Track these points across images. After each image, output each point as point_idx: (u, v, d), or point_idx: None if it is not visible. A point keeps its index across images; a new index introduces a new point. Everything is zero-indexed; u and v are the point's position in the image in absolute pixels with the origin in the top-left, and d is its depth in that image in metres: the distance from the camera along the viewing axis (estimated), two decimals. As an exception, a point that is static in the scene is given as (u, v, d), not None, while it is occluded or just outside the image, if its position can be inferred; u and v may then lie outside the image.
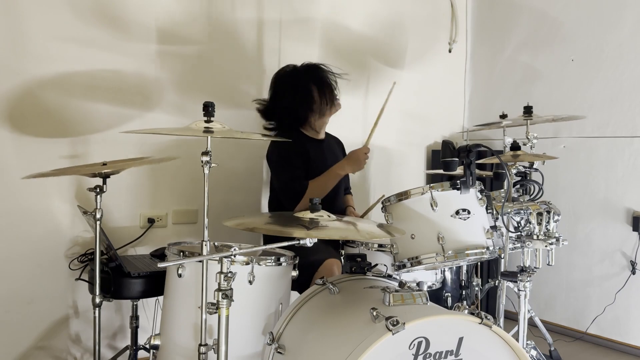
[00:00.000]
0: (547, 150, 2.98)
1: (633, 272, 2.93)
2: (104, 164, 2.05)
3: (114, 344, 2.60)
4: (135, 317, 2.30)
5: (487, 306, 3.31)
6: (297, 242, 1.45)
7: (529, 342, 2.25)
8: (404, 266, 1.77)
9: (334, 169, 2.37)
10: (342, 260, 2.14)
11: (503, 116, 2.62)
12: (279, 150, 2.41)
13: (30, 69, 2.37)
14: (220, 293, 1.51)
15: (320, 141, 2.55)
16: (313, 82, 2.42)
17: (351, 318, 1.49)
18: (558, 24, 3.30)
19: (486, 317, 1.41)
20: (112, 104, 2.55)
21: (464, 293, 2.40)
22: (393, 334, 1.30)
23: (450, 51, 3.76)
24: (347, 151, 2.76)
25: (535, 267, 2.04)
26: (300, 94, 2.40)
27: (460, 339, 1.39)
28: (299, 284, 2.06)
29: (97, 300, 2.04)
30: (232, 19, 2.87)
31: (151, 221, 2.65)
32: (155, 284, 2.11)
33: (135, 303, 2.30)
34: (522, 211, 1.99)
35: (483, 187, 1.79)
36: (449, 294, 2.31)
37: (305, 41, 3.13)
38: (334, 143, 2.68)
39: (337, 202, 2.54)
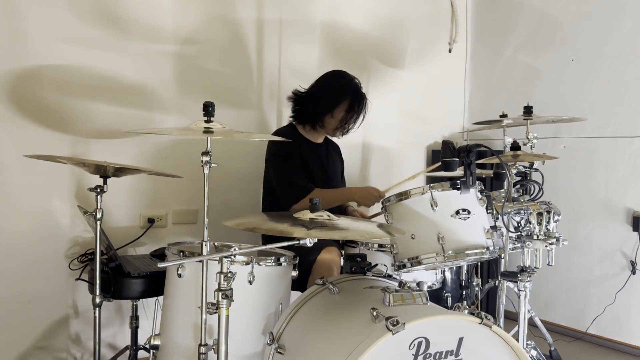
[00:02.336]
0: (547, 150, 2.97)
1: (633, 272, 2.93)
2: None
3: (114, 344, 2.60)
4: (135, 317, 2.30)
5: (487, 306, 3.31)
6: (297, 242, 1.45)
7: (529, 342, 2.24)
8: (404, 266, 1.77)
9: (349, 190, 2.53)
10: (342, 254, 2.16)
11: (503, 116, 2.63)
12: (278, 147, 2.42)
13: (31, 69, 2.37)
14: (220, 293, 1.51)
15: (316, 144, 2.56)
16: (353, 94, 2.45)
17: (351, 318, 1.49)
18: (558, 24, 3.30)
19: (486, 317, 1.41)
20: (112, 103, 2.55)
21: (464, 293, 2.40)
22: (393, 334, 1.30)
23: (450, 51, 3.76)
24: (344, 152, 2.78)
25: (535, 267, 2.03)
26: (335, 92, 2.44)
27: (460, 339, 1.39)
28: (299, 284, 2.06)
29: (97, 300, 2.04)
30: (232, 18, 2.87)
31: (151, 221, 2.65)
32: (155, 284, 2.11)
33: (135, 303, 2.30)
34: (522, 211, 1.99)
35: (483, 187, 1.79)
36: (449, 294, 2.31)
37: (305, 41, 3.13)
38: (331, 148, 2.68)
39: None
